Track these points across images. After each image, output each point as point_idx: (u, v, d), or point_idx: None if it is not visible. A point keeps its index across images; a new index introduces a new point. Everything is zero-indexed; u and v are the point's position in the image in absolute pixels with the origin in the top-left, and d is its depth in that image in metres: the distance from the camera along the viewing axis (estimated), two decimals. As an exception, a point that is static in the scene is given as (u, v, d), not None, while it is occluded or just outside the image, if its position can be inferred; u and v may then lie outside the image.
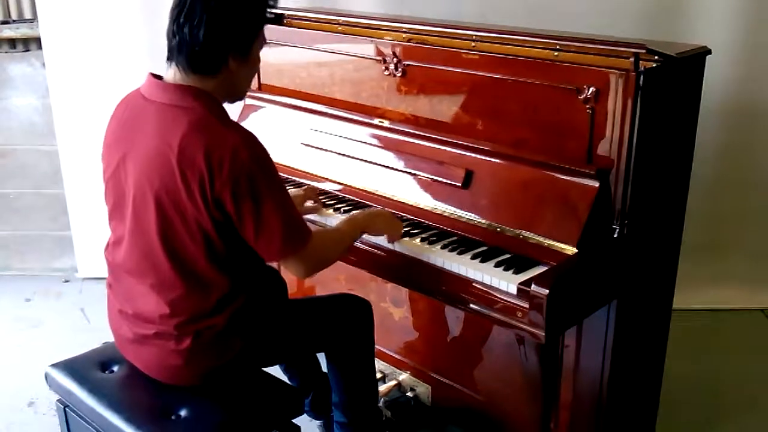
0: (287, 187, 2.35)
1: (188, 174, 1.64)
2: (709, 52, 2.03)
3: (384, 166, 2.29)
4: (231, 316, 1.78)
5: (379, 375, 2.54)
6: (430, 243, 2.02)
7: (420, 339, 2.53)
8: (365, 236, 2.05)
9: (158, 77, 1.77)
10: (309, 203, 2.27)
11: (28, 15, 3.49)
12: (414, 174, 2.21)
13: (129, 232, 1.78)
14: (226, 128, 1.68)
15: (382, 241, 2.05)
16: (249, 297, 1.82)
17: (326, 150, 2.43)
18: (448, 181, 2.12)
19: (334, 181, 2.39)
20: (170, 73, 1.75)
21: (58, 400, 2.00)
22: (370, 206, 2.27)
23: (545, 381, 1.95)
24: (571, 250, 1.85)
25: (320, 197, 2.32)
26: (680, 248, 2.26)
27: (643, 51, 1.76)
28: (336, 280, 2.69)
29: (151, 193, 1.69)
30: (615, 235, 1.90)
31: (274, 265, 2.74)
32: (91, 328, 3.24)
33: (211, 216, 1.67)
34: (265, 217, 1.68)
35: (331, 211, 2.26)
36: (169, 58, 1.74)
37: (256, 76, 2.72)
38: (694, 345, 3.03)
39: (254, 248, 1.75)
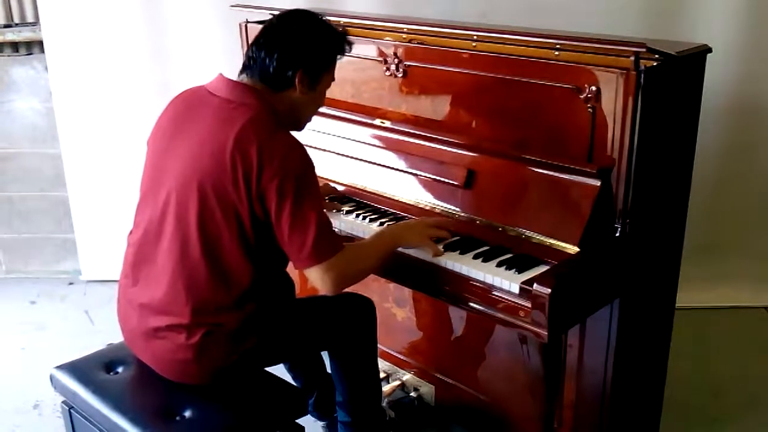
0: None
1: (238, 164, 1.70)
2: (709, 50, 2.03)
3: (385, 166, 2.29)
4: (245, 317, 1.80)
5: (382, 375, 2.55)
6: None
7: (423, 339, 2.53)
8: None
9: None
10: (326, 198, 2.31)
11: (30, 18, 3.50)
12: (415, 174, 2.22)
13: (161, 214, 1.81)
14: (282, 132, 1.78)
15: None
16: (265, 301, 1.84)
17: (328, 150, 2.44)
18: (450, 181, 2.12)
19: (336, 182, 2.40)
20: (240, 78, 1.86)
21: (63, 402, 2.00)
22: (372, 206, 2.28)
23: (548, 380, 1.95)
24: (573, 249, 1.86)
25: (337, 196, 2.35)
26: (682, 247, 2.26)
27: (644, 50, 1.76)
28: (339, 280, 2.69)
29: (197, 178, 1.74)
30: (617, 234, 1.90)
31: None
32: (96, 330, 3.25)
33: (252, 209, 1.73)
34: (302, 218, 1.74)
35: (334, 211, 2.27)
36: (243, 71, 1.87)
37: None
38: (697, 343, 3.03)
39: (285, 249, 1.78)
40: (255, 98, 1.80)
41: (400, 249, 2.00)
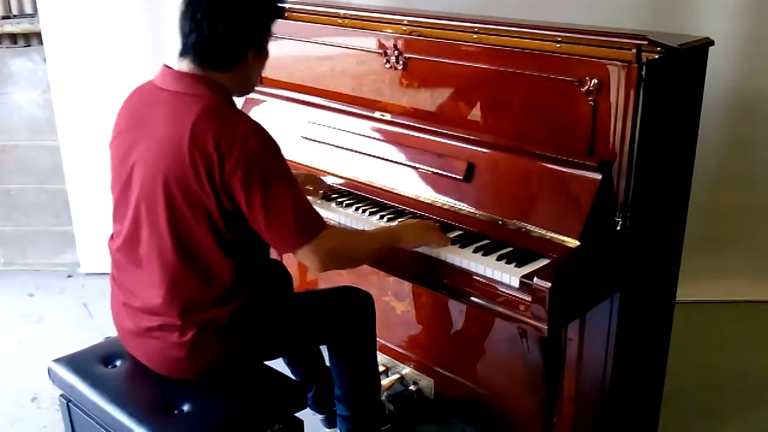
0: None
1: (198, 158, 1.65)
2: (711, 43, 2.02)
3: (385, 159, 2.28)
4: (235, 311, 1.78)
5: (381, 369, 2.54)
6: (432, 236, 2.02)
7: (422, 333, 2.53)
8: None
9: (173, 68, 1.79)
10: (308, 188, 2.28)
11: (29, 10, 3.49)
12: (415, 167, 2.21)
13: (134, 220, 1.78)
14: (238, 117, 1.72)
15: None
16: (253, 292, 1.82)
17: (327, 143, 2.43)
18: (450, 174, 2.11)
19: (336, 175, 2.39)
20: (184, 65, 1.77)
21: (61, 395, 2.00)
22: (372, 199, 2.27)
23: (548, 374, 1.95)
24: (573, 243, 1.85)
25: (320, 187, 2.33)
26: (683, 241, 2.26)
27: (646, 42, 1.75)
28: (338, 274, 2.68)
29: (161, 179, 1.70)
30: (617, 228, 1.90)
31: (278, 257, 2.75)
32: (94, 323, 3.25)
33: (220, 203, 1.68)
34: (276, 205, 1.69)
35: (333, 204, 2.26)
36: (183, 54, 1.77)
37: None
38: (697, 337, 3.02)
39: (266, 238, 1.75)
40: (204, 86, 1.72)
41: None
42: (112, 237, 1.90)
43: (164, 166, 1.69)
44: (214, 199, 1.67)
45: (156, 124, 1.73)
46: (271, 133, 1.72)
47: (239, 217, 1.71)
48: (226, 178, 1.65)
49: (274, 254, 2.81)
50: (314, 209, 1.78)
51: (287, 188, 1.70)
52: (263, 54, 1.83)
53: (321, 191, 2.30)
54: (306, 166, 2.46)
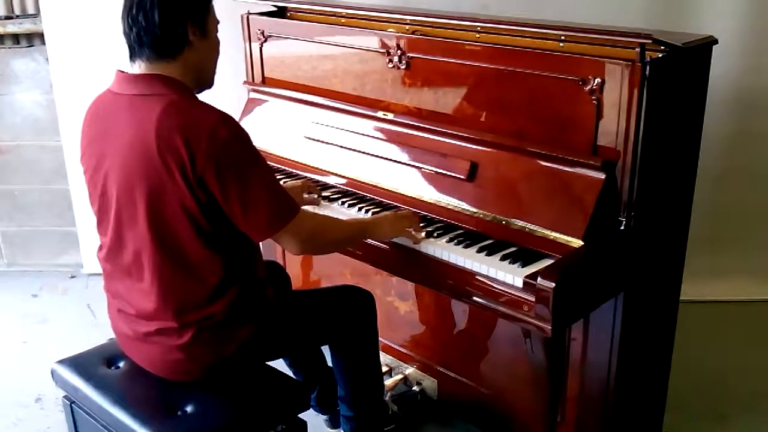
0: (285, 180, 2.36)
1: (168, 157, 1.63)
2: (715, 42, 2.01)
3: (388, 159, 2.28)
4: (229, 306, 1.78)
5: (385, 369, 2.54)
6: (436, 236, 2.02)
7: (426, 333, 2.52)
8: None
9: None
10: (306, 195, 2.28)
11: (31, 10, 3.49)
12: (418, 167, 2.20)
13: (116, 228, 1.77)
14: (201, 109, 1.69)
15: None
16: (245, 283, 1.81)
17: (330, 143, 2.42)
18: (453, 174, 2.11)
19: (338, 175, 2.38)
20: (136, 67, 1.75)
21: (64, 397, 2.00)
22: (374, 200, 2.26)
23: (552, 374, 1.94)
24: (577, 242, 1.84)
25: (323, 191, 2.32)
26: (687, 240, 2.25)
27: (649, 41, 1.74)
28: (341, 274, 2.68)
29: (136, 184, 1.68)
30: (621, 228, 1.89)
31: (279, 259, 2.75)
32: (98, 324, 3.25)
33: (196, 197, 1.66)
34: (251, 194, 1.68)
35: (336, 204, 2.26)
36: (132, 56, 1.75)
37: (258, 69, 2.72)
38: (702, 337, 3.02)
39: (242, 227, 1.73)
40: (161, 84, 1.70)
41: (402, 242, 2.00)
42: (100, 248, 1.89)
43: (136, 170, 1.67)
44: (189, 193, 1.66)
45: (120, 131, 1.71)
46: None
47: (215, 207, 1.70)
48: (198, 173, 1.64)
49: (270, 255, 2.82)
50: (288, 194, 1.78)
51: (260, 176, 1.70)
52: (209, 39, 1.78)
53: (319, 194, 2.31)
54: (309, 166, 2.45)
